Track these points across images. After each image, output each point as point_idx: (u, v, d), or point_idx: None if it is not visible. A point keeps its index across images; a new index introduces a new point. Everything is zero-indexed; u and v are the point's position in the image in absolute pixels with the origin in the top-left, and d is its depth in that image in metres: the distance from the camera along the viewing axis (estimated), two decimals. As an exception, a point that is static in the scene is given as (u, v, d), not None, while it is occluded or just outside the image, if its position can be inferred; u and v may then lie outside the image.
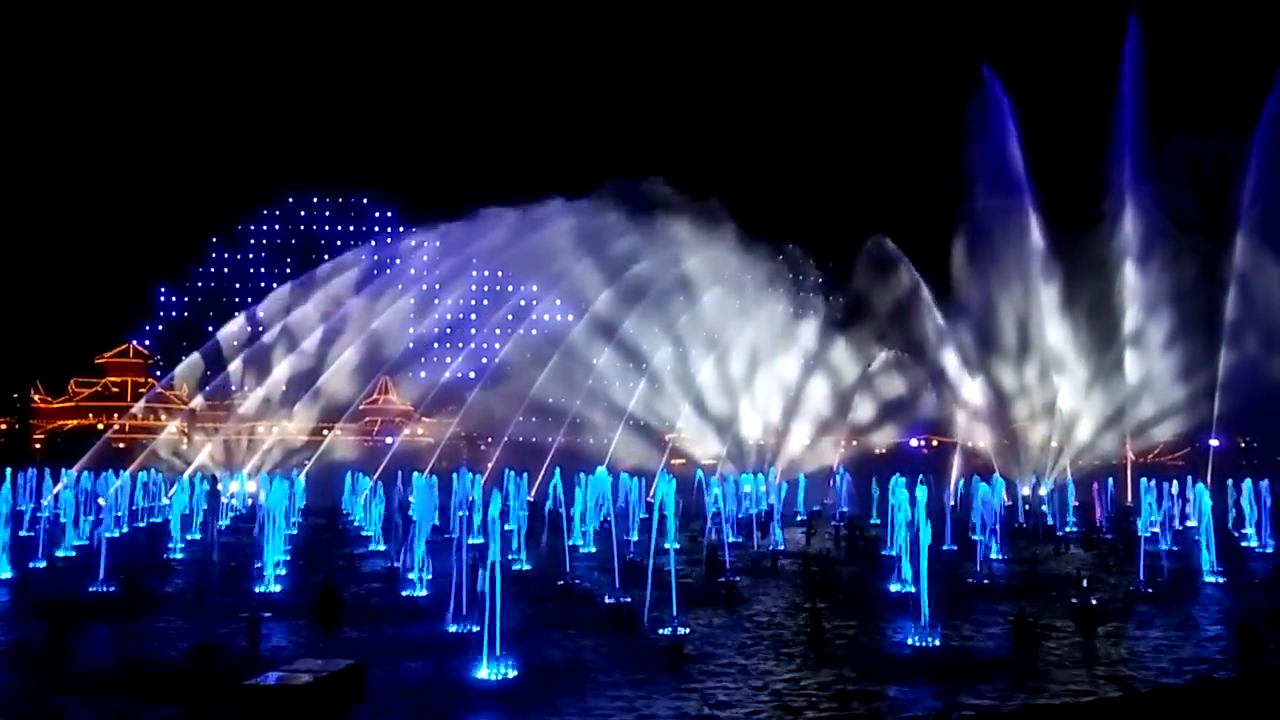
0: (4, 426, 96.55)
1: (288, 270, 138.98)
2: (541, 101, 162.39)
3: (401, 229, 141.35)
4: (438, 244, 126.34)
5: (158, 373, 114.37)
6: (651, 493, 41.98)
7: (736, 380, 62.26)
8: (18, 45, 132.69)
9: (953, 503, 37.93)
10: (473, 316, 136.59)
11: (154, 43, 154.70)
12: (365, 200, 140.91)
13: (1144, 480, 34.72)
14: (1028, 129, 61.19)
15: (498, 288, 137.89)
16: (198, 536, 35.68)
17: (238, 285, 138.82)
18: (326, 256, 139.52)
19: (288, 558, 26.72)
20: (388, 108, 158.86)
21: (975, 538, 32.50)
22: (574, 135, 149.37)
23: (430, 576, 22.09)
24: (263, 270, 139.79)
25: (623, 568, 21.54)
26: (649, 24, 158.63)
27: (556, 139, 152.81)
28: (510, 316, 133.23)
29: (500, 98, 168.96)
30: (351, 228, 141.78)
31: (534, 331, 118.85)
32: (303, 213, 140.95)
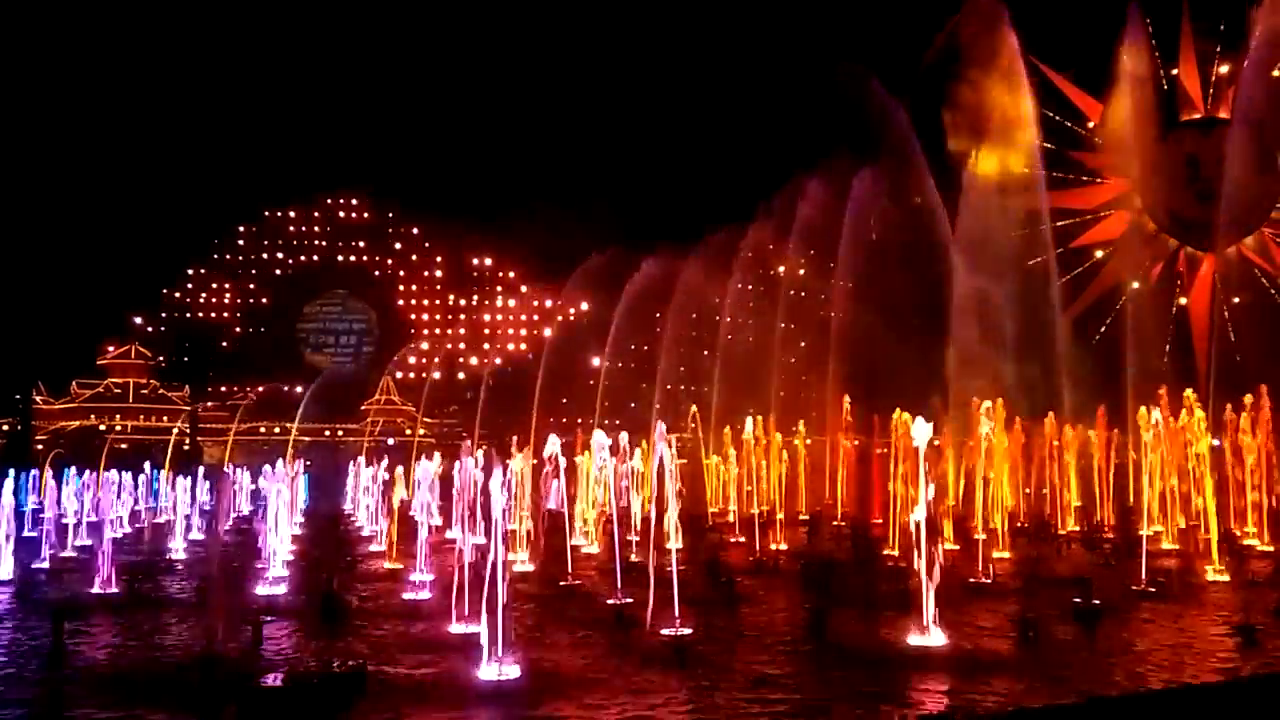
0: (6, 427, 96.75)
1: (290, 270, 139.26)
2: (530, 107, 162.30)
3: (402, 230, 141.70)
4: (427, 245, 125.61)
5: (159, 374, 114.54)
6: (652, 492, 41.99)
7: (740, 378, 62.25)
8: (20, 47, 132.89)
9: (953, 502, 37.91)
10: (489, 317, 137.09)
11: (155, 47, 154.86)
12: (368, 201, 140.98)
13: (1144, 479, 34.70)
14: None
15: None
16: (200, 537, 35.75)
17: (239, 286, 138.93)
18: (327, 259, 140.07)
19: (290, 558, 26.75)
20: (388, 109, 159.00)
21: (977, 537, 32.58)
22: (568, 135, 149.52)
23: (433, 577, 22.13)
24: (264, 272, 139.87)
25: (624, 568, 21.57)
26: (648, 20, 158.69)
27: (544, 142, 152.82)
28: (521, 317, 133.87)
29: (490, 106, 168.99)
30: (352, 229, 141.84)
31: (546, 332, 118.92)
32: (304, 214, 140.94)
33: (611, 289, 67.79)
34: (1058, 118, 73.27)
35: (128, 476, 42.02)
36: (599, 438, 22.98)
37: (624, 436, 24.89)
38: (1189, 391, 31.39)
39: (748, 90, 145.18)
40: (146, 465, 46.79)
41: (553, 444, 24.52)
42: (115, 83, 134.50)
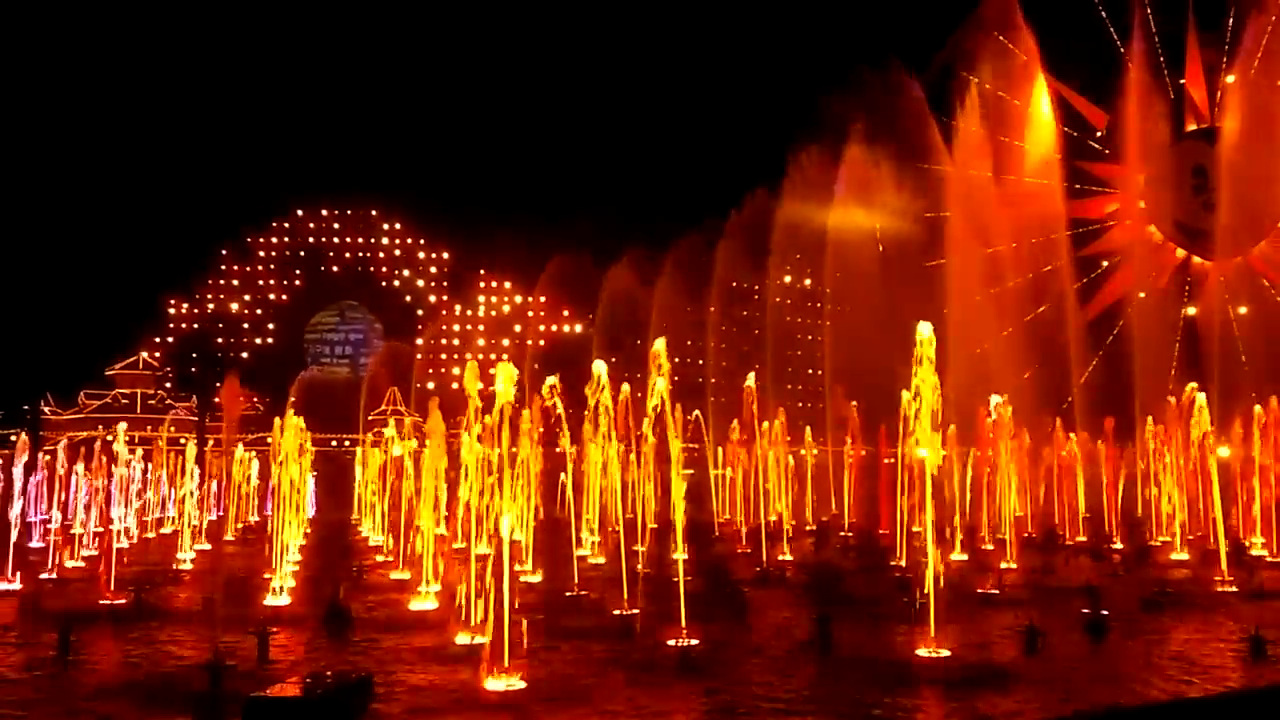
0: (14, 438, 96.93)
1: (296, 283, 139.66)
2: (549, 111, 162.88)
3: (409, 240, 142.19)
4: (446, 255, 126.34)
5: (167, 384, 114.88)
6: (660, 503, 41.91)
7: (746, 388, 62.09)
8: (25, 54, 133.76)
9: (959, 514, 37.80)
10: (481, 328, 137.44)
11: (161, 55, 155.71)
12: (374, 212, 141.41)
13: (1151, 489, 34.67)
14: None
15: (506, 299, 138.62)
16: (207, 547, 35.79)
17: (247, 297, 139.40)
18: (335, 269, 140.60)
19: (296, 568, 26.74)
20: (395, 119, 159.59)
21: (985, 547, 32.52)
22: (581, 142, 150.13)
23: (438, 587, 22.11)
24: (271, 282, 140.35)
25: (631, 578, 21.53)
26: (653, 26, 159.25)
27: (565, 147, 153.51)
28: (519, 328, 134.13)
29: (506, 108, 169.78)
30: (360, 239, 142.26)
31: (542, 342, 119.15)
32: (311, 224, 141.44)
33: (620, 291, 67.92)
34: (1064, 128, 73.29)
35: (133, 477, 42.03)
36: (599, 367, 21.99)
37: (625, 388, 24.15)
38: (1192, 385, 31.09)
39: (742, 86, 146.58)
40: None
41: (551, 381, 23.69)
42: (120, 92, 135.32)
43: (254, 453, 44.83)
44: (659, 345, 19.73)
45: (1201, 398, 28.99)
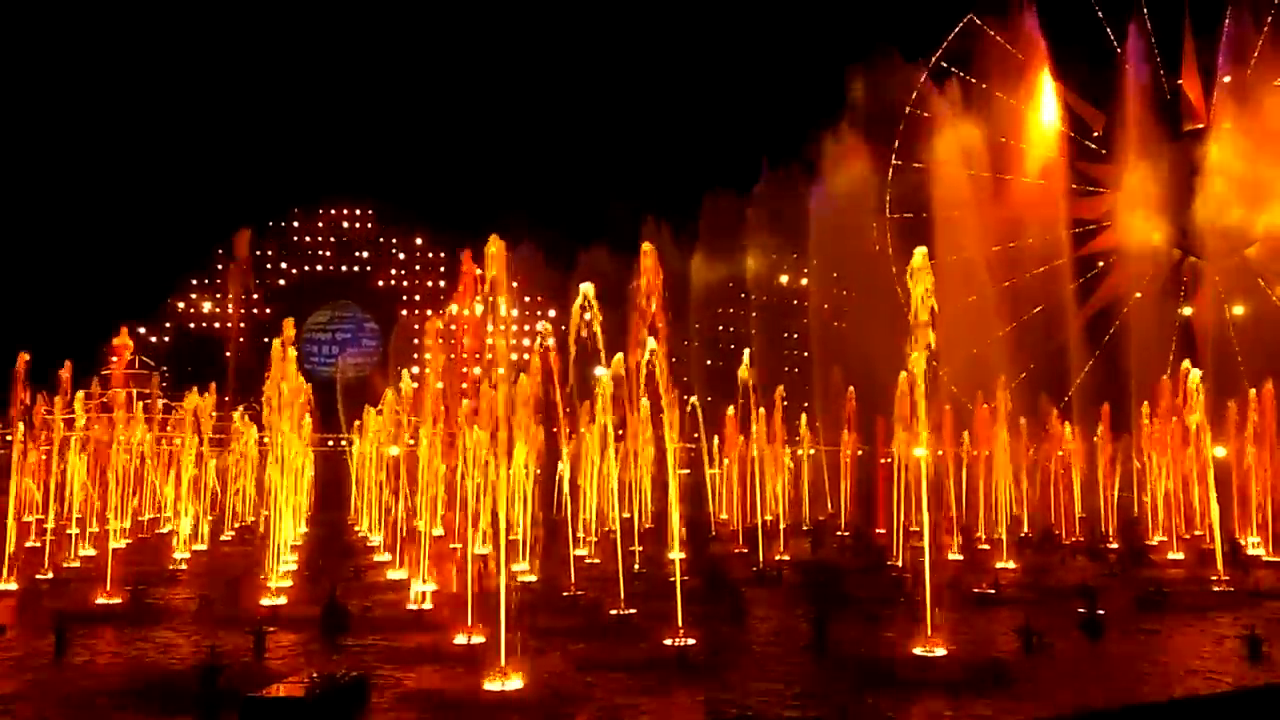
0: (10, 438, 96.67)
1: (294, 281, 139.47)
2: (551, 113, 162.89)
3: (408, 240, 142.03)
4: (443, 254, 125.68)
5: (163, 385, 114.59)
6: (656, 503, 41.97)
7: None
8: (30, 54, 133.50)
9: (956, 514, 37.84)
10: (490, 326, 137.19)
11: (168, 54, 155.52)
12: (371, 211, 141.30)
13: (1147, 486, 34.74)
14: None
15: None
16: (204, 547, 35.75)
17: (244, 298, 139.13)
18: (332, 269, 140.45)
19: (294, 568, 26.71)
20: (393, 120, 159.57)
21: (981, 546, 32.58)
22: (583, 146, 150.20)
23: (436, 587, 22.09)
24: (269, 282, 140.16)
25: (628, 578, 21.52)
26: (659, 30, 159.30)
27: (563, 146, 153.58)
28: (514, 327, 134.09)
29: (510, 112, 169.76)
30: (358, 239, 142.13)
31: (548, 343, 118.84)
32: (309, 224, 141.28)
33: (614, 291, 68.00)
34: (1061, 128, 73.41)
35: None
36: (586, 288, 21.38)
37: (619, 356, 23.76)
38: (1186, 362, 30.81)
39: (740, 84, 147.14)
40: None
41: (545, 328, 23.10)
42: (118, 98, 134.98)
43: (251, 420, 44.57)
44: (648, 250, 18.32)
45: (1196, 374, 28.50)
